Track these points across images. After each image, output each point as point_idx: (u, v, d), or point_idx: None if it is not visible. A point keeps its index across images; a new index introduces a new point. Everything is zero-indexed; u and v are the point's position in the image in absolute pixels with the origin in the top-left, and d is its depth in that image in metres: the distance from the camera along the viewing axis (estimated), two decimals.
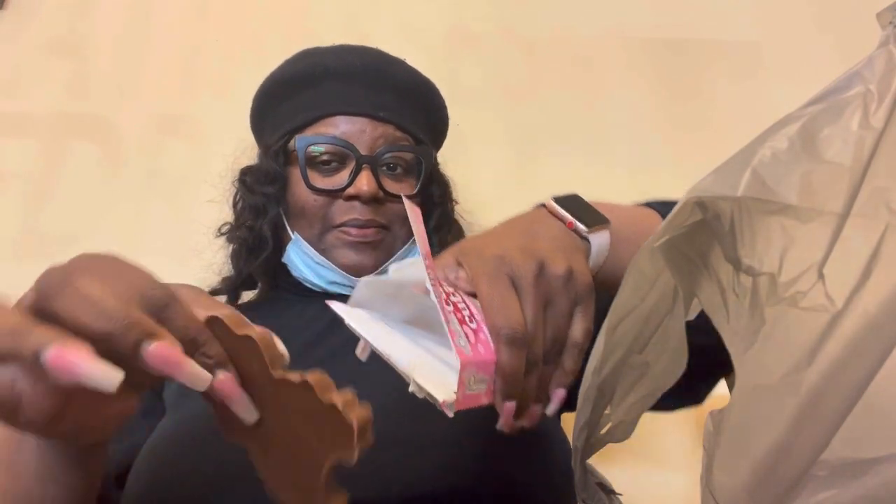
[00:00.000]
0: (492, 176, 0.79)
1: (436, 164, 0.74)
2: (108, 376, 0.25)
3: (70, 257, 0.30)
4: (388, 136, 0.66)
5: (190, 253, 0.83)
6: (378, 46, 0.74)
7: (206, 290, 0.72)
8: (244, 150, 0.78)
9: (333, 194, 0.64)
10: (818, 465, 0.24)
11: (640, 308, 0.31)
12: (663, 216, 0.35)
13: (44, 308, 0.26)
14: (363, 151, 0.64)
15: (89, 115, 1.17)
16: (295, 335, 0.61)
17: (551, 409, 0.35)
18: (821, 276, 0.24)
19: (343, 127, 0.66)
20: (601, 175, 1.13)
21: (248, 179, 0.71)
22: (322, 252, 0.65)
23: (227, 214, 0.76)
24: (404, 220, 0.66)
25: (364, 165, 0.63)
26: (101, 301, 0.26)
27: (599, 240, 0.39)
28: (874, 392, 0.23)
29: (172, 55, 1.22)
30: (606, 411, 0.34)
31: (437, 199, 0.72)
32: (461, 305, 0.32)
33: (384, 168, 0.66)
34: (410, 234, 0.68)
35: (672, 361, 0.34)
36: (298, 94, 0.69)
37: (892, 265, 0.23)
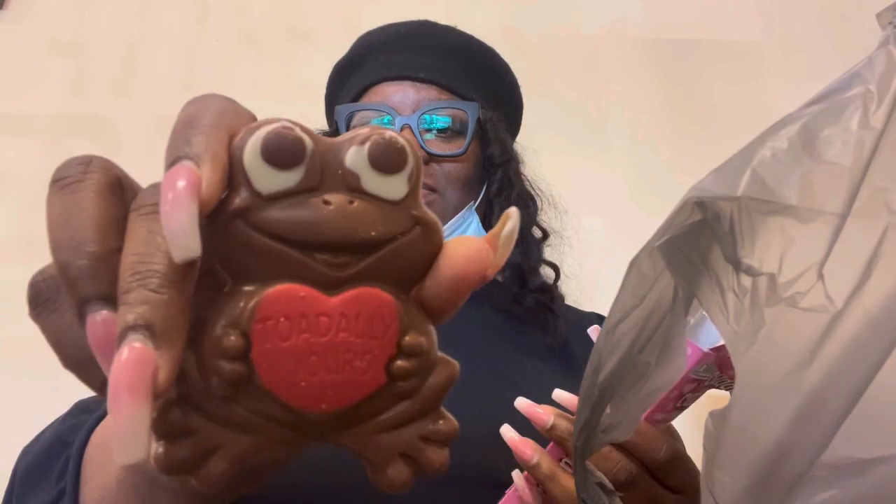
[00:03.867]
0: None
1: (494, 123, 0.68)
2: None
3: None
4: (433, 98, 0.64)
5: None
6: None
7: None
8: None
9: None
10: (818, 465, 0.24)
11: (641, 308, 0.31)
12: None
13: None
14: (405, 114, 0.62)
15: (89, 115, 1.17)
16: None
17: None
18: (820, 276, 0.24)
19: (387, 93, 0.64)
20: (601, 175, 1.13)
21: None
22: None
23: None
24: (455, 182, 0.64)
25: (404, 125, 0.61)
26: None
27: None
28: (874, 392, 0.23)
29: (172, 55, 1.22)
30: (606, 411, 0.34)
31: (497, 160, 0.67)
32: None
33: (433, 131, 0.63)
34: (465, 201, 0.66)
35: (672, 361, 0.34)
36: (350, 76, 0.69)
37: (892, 265, 0.23)
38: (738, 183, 0.25)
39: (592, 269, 0.87)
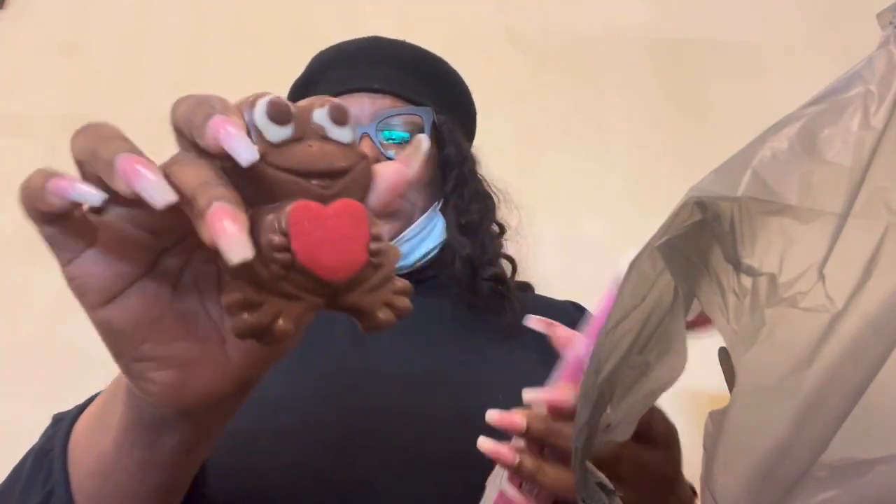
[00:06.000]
0: (492, 176, 0.79)
1: (449, 126, 0.72)
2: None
3: None
4: (388, 106, 0.67)
5: None
6: None
7: None
8: None
9: None
10: (818, 466, 0.24)
11: (641, 308, 0.31)
12: None
13: None
14: (363, 123, 0.66)
15: (89, 116, 1.17)
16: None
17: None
18: (821, 276, 0.24)
19: None
20: (601, 175, 1.13)
21: None
22: None
23: None
24: (418, 184, 0.68)
25: (363, 135, 0.65)
26: None
27: None
28: (874, 392, 0.23)
29: (172, 55, 1.22)
30: (606, 411, 0.34)
31: (453, 159, 0.71)
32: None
33: (393, 139, 0.67)
34: (429, 202, 0.70)
35: (672, 361, 0.34)
36: (308, 93, 0.72)
37: (892, 266, 0.23)
38: (738, 183, 0.25)
39: (592, 269, 0.87)
